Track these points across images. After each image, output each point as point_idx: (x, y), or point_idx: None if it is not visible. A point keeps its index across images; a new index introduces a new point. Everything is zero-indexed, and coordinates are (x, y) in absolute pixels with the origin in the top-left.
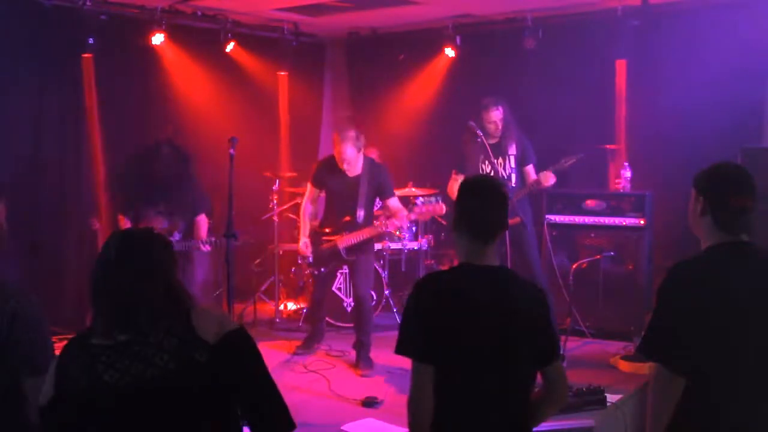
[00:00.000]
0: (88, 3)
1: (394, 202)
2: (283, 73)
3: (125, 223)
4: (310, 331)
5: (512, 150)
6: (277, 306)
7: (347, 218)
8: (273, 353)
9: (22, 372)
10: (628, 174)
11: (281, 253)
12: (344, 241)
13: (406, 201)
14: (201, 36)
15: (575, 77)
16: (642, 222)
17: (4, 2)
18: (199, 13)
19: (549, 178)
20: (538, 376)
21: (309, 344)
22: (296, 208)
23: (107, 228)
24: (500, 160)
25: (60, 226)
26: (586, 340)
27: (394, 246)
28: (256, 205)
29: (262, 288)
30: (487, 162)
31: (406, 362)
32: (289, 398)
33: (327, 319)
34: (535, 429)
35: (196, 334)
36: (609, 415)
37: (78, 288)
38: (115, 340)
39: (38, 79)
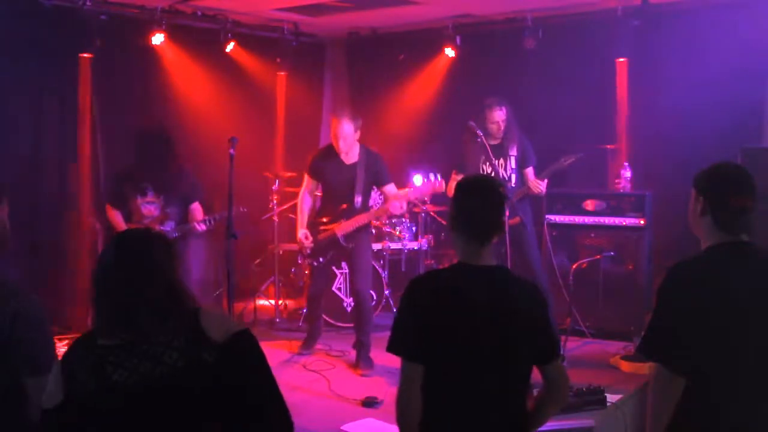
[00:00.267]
0: (88, 3)
1: (391, 188)
2: (282, 73)
3: (114, 214)
4: (309, 330)
5: (513, 151)
6: (277, 306)
7: (345, 205)
8: (273, 353)
9: (24, 371)
10: (628, 174)
11: (281, 253)
12: (342, 228)
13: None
14: (201, 36)
15: (575, 77)
16: (642, 222)
17: (4, 2)
18: (199, 13)
19: (539, 185)
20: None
21: (310, 344)
22: (296, 208)
23: (106, 227)
24: (501, 160)
25: (60, 226)
26: (586, 340)
27: (394, 246)
28: (256, 205)
29: (262, 288)
30: (487, 162)
31: None
32: (289, 398)
33: (327, 319)
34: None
35: (204, 334)
36: (609, 415)
37: (78, 288)
38: (121, 340)
39: (38, 79)
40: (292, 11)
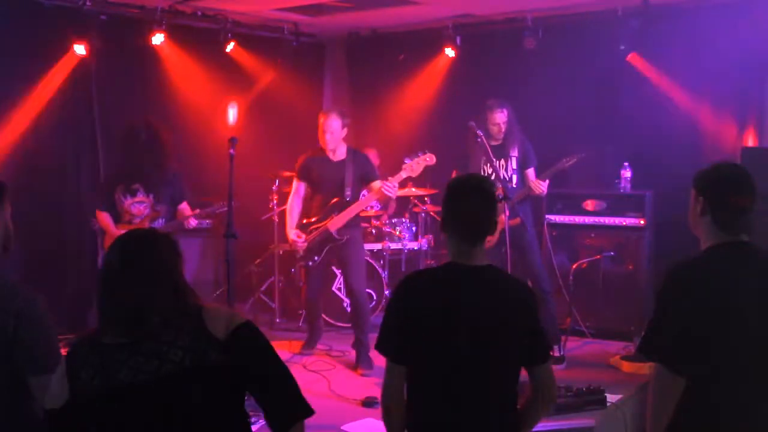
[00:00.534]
0: (88, 3)
1: (379, 184)
2: (282, 74)
3: (103, 216)
4: (309, 331)
5: (514, 152)
6: (278, 306)
7: (336, 199)
8: None
9: (29, 370)
10: (628, 174)
11: (281, 253)
12: (335, 223)
13: (407, 201)
14: (201, 36)
15: (575, 77)
16: (642, 222)
17: (3, 2)
18: (199, 13)
19: (540, 186)
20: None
21: (311, 344)
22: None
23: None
24: (502, 161)
25: (60, 226)
26: (586, 340)
27: (394, 246)
28: (256, 205)
29: (262, 288)
30: (488, 163)
31: None
32: None
33: (327, 319)
34: (535, 429)
35: (207, 331)
36: (609, 415)
37: (78, 288)
38: (126, 339)
39: (38, 78)
40: (292, 11)
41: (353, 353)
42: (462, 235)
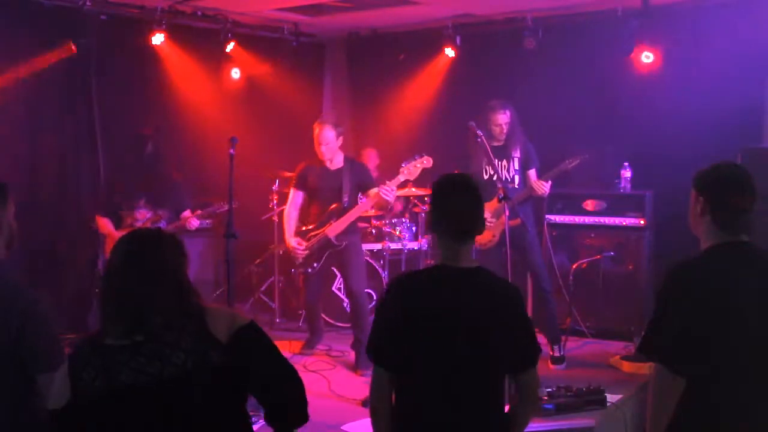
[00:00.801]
0: (88, 3)
1: (376, 190)
2: (282, 74)
3: (104, 222)
4: (310, 331)
5: (516, 153)
6: (278, 306)
7: (335, 205)
8: None
9: (33, 369)
10: (628, 174)
11: (281, 253)
12: (334, 229)
13: (406, 201)
14: (201, 36)
15: (575, 77)
16: (642, 222)
17: (3, 2)
18: (199, 13)
19: (542, 186)
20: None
21: (311, 344)
22: (282, 221)
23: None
24: (504, 162)
25: (60, 226)
26: (586, 340)
27: (394, 246)
28: (256, 206)
29: (262, 288)
30: (489, 164)
31: None
32: None
33: (327, 319)
34: (536, 429)
35: (210, 333)
36: (609, 415)
37: (78, 288)
38: (129, 340)
39: (38, 78)
40: (292, 11)
41: (353, 353)
42: (451, 234)
